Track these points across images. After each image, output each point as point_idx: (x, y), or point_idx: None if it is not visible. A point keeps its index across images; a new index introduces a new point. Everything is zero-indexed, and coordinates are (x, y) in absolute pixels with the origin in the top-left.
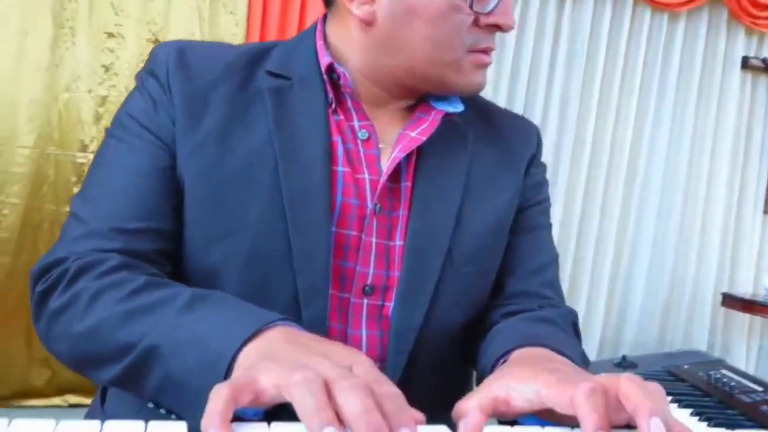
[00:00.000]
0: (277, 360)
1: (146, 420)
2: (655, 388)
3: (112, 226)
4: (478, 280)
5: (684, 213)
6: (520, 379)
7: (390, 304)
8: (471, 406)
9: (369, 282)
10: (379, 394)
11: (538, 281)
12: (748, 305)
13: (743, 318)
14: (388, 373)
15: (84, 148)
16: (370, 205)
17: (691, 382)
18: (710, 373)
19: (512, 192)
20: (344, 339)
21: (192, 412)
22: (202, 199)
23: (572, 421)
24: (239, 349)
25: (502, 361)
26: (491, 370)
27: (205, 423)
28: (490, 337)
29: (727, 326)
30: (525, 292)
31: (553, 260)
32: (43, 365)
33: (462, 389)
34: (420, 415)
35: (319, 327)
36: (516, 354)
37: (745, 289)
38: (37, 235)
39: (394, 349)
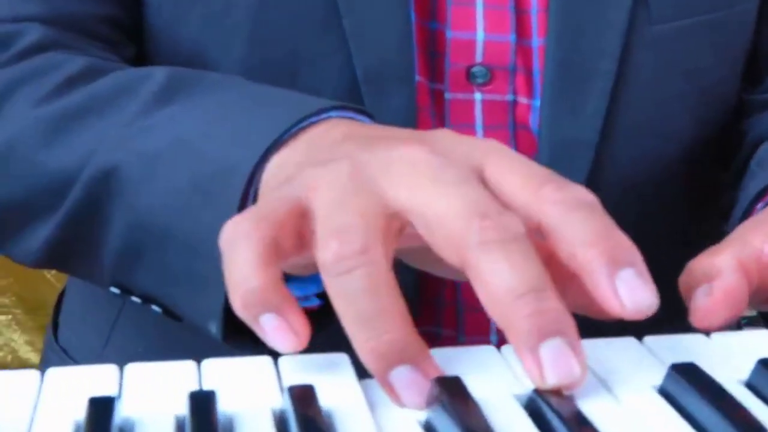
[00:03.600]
0: (325, 168)
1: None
2: None
3: None
4: (706, 46)
5: None
6: None
7: (529, 101)
8: (721, 263)
9: (479, 59)
10: (552, 204)
11: None
12: None
13: None
14: None
15: None
16: None
17: None
18: None
19: None
20: None
21: (177, 287)
22: None
23: None
24: (264, 159)
25: (760, 206)
26: (745, 215)
27: (245, 299)
28: (749, 171)
29: None
30: None
31: None
32: None
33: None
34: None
35: None
36: None
37: None
38: None
39: None
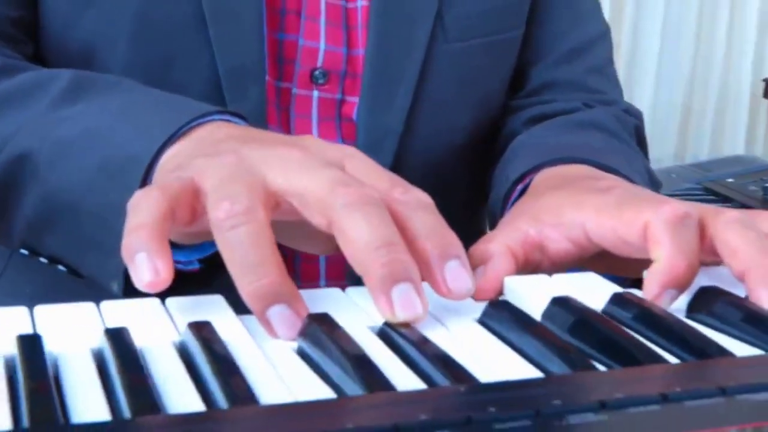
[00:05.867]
0: (215, 159)
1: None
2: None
3: None
4: (486, 60)
5: None
6: (556, 209)
7: (354, 99)
8: (493, 249)
9: (319, 64)
10: (399, 203)
11: (579, 65)
12: None
13: None
14: None
15: None
16: None
17: (741, 200)
18: (766, 185)
19: None
20: None
21: (84, 252)
22: None
23: (633, 273)
24: (160, 152)
25: (519, 188)
26: (504, 203)
27: (130, 242)
28: (504, 158)
29: None
30: (560, 82)
31: (603, 35)
32: None
33: (470, 234)
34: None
35: None
36: (541, 176)
37: None
38: None
39: None
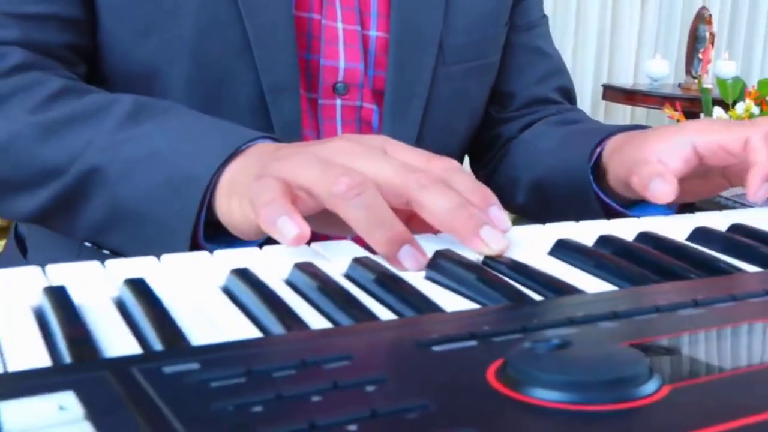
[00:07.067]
0: (290, 159)
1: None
2: None
3: (2, 9)
4: (475, 79)
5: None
6: (667, 137)
7: (371, 106)
8: (654, 168)
9: (340, 78)
10: (448, 178)
11: (551, 86)
12: (630, 96)
13: (625, 110)
14: None
15: None
16: None
17: None
18: None
19: None
20: None
21: (147, 249)
22: None
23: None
24: (218, 171)
25: (596, 154)
26: (594, 161)
27: (267, 212)
28: (520, 148)
29: (609, 120)
30: (541, 99)
31: (558, 65)
32: None
33: None
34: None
35: (292, 133)
36: (613, 140)
37: (626, 80)
38: None
39: None
